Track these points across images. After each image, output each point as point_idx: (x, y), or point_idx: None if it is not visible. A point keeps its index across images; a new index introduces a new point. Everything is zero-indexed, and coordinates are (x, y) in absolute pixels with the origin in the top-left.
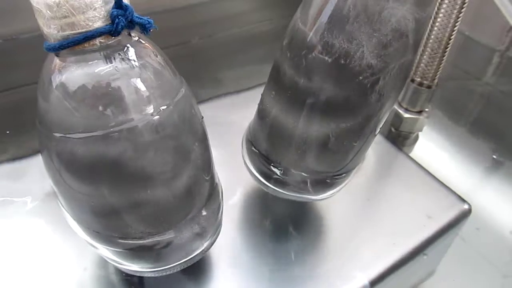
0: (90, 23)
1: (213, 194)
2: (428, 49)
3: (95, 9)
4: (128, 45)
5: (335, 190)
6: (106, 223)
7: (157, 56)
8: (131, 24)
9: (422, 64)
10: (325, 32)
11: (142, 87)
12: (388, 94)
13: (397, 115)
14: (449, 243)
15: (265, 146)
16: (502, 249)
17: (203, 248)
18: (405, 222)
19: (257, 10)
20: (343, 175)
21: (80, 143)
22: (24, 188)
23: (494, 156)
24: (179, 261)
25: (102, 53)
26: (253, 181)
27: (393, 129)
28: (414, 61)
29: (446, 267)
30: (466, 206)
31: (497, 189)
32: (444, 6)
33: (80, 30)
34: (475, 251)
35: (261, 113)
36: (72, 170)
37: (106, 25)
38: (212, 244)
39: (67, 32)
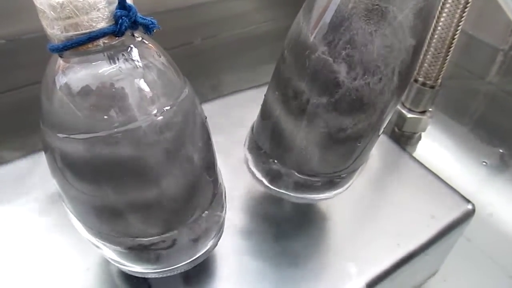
0: (94, 24)
1: (217, 195)
2: (432, 49)
3: (98, 10)
4: (132, 45)
5: (339, 190)
6: (109, 223)
7: (160, 57)
8: (134, 24)
9: (425, 64)
10: (328, 33)
11: (145, 87)
12: (391, 95)
13: (401, 115)
14: (453, 243)
15: (268, 146)
16: (507, 249)
17: (206, 249)
18: (408, 222)
19: (260, 10)
20: (347, 175)
21: (84, 143)
22: (27, 188)
23: (501, 150)
24: (183, 262)
25: (105, 53)
26: (256, 181)
27: (396, 129)
28: (417, 62)
29: (450, 267)
30: (469, 206)
31: (501, 189)
32: (448, 5)
33: (83, 31)
34: (480, 251)
35: (264, 113)
36: (76, 171)
37: (110, 25)
38: (215, 245)
39: (71, 33)
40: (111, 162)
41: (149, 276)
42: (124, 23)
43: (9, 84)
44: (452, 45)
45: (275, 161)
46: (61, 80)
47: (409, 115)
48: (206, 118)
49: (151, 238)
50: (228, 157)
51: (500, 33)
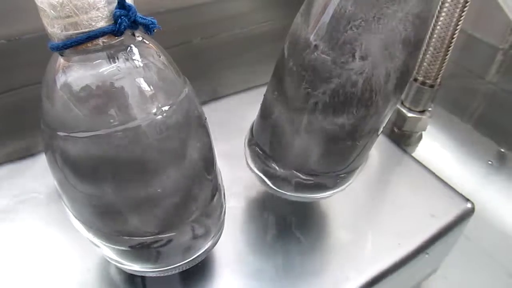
0: (93, 23)
1: (216, 195)
2: (431, 48)
3: (98, 9)
4: (132, 45)
5: (338, 189)
6: (108, 222)
7: (160, 56)
8: (134, 24)
9: (425, 63)
10: (327, 32)
11: (145, 87)
12: (391, 94)
13: (400, 115)
14: (453, 242)
15: (268, 146)
16: (507, 248)
17: (205, 248)
18: (408, 221)
19: (260, 11)
20: (346, 174)
21: (84, 142)
22: (27, 188)
23: (502, 150)
24: (182, 261)
25: (105, 53)
26: (255, 181)
27: (396, 129)
28: (416, 61)
29: (450, 266)
30: (469, 205)
31: (500, 188)
32: (447, 5)
33: (83, 30)
34: (480, 250)
35: (264, 113)
36: (76, 169)
37: (109, 25)
38: (214, 244)
39: (71, 32)
40: (111, 160)
41: (148, 275)
42: (123, 23)
43: (9, 84)
44: (452, 44)
45: (275, 160)
46: (61, 78)
47: (409, 114)
48: (206, 118)
49: (150, 237)
50: (228, 156)
51: (500, 32)
